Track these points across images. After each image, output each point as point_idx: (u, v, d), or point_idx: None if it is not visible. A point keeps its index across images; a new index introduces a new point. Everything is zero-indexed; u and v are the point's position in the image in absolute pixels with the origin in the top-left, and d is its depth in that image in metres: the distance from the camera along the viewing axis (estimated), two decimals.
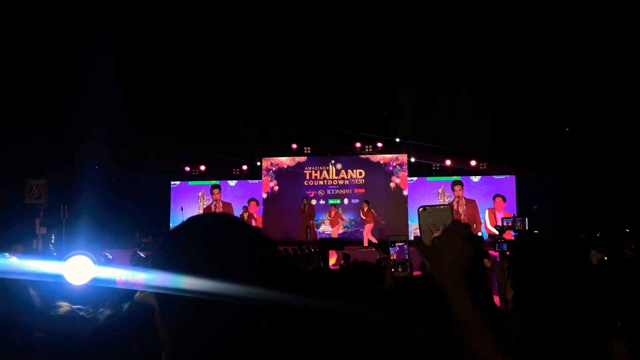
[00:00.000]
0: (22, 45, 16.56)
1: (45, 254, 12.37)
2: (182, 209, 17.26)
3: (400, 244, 2.03)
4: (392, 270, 2.11)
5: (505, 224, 12.49)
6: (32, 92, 16.90)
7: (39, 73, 16.81)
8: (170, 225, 18.30)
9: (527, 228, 11.47)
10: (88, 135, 17.41)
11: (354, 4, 18.50)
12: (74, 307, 2.24)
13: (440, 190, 17.19)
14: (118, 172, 18.73)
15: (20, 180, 14.61)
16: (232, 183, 18.52)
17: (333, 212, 16.71)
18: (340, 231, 16.91)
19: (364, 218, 15.84)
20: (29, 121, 16.65)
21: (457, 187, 17.07)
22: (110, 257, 9.13)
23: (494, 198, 16.92)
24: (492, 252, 9.94)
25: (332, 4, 18.31)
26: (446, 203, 16.74)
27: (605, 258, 8.29)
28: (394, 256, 2.02)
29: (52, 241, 14.51)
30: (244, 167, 18.68)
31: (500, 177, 17.03)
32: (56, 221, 14.31)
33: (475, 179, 17.13)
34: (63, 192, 15.61)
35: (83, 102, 17.46)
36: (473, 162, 17.25)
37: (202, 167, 18.75)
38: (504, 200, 16.86)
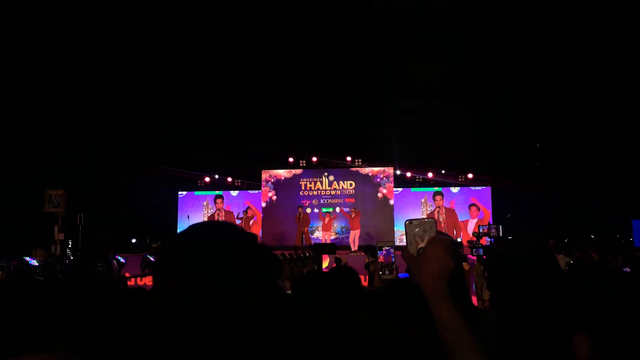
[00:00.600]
0: (48, 57, 16.50)
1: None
2: (188, 217, 17.20)
3: (387, 248, 2.02)
4: (380, 273, 2.04)
5: (481, 230, 12.53)
6: (53, 112, 16.85)
7: (58, 88, 16.76)
8: (178, 231, 18.20)
9: (501, 234, 11.51)
10: (103, 147, 17.39)
11: (343, 37, 18.67)
12: None
13: (423, 200, 17.22)
14: (130, 183, 18.66)
15: (41, 190, 14.52)
16: (234, 193, 18.48)
17: (327, 219, 16.72)
18: (332, 237, 16.87)
19: (350, 225, 15.93)
20: (49, 135, 16.59)
21: (437, 197, 17.09)
22: (122, 260, 9.06)
23: (469, 207, 16.96)
24: (470, 257, 9.95)
25: (323, 36, 18.47)
26: (428, 212, 16.85)
27: (572, 261, 8.32)
28: (382, 259, 2.01)
29: (69, 246, 14.41)
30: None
31: (477, 188, 17.07)
32: (73, 228, 14.21)
33: (455, 189, 17.17)
34: (80, 201, 15.52)
35: (99, 118, 17.44)
36: (452, 174, 17.30)
37: (207, 179, 18.72)
38: (478, 209, 16.91)
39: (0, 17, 15.25)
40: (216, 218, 17.82)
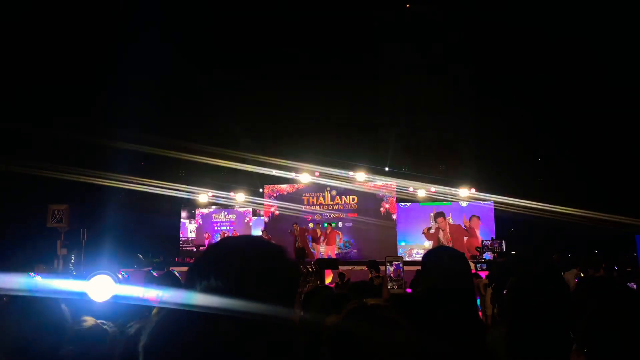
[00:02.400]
0: (46, 69, 16.58)
1: (65, 274, 12.25)
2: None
3: (396, 263, 2.03)
4: (389, 287, 2.09)
5: (484, 245, 12.50)
6: (54, 122, 16.93)
7: (60, 101, 16.83)
8: (179, 247, 18.20)
9: (504, 249, 11.48)
10: (105, 166, 17.43)
11: (344, 47, 18.82)
12: (98, 321, 2.23)
13: (430, 215, 17.15)
14: (133, 198, 18.67)
15: (43, 204, 14.54)
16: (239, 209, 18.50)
17: (329, 230, 16.63)
18: (336, 252, 16.84)
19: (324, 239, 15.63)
20: (52, 150, 16.66)
21: (439, 220, 16.95)
22: (125, 276, 9.04)
23: (470, 218, 16.88)
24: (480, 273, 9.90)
25: (325, 46, 18.62)
26: (433, 229, 16.75)
27: (582, 274, 8.29)
28: (391, 274, 2.02)
29: (72, 261, 14.38)
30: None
31: (480, 203, 17.05)
32: (76, 243, 14.20)
33: (463, 204, 17.11)
34: (83, 216, 15.53)
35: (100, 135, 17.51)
36: (455, 190, 17.28)
37: (210, 194, 18.71)
38: (479, 219, 16.84)
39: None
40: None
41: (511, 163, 18.26)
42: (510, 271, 2.13)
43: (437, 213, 17.01)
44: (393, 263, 2.04)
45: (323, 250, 16.85)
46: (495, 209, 16.92)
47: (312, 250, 16.61)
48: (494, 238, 14.43)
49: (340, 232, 15.96)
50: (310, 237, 16.71)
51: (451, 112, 19.03)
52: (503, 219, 16.90)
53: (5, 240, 15.86)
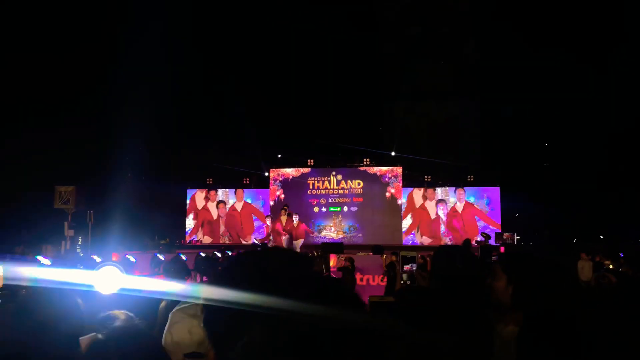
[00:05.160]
0: (57, 51, 16.52)
1: (73, 258, 12.35)
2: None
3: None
4: (402, 281, 2.08)
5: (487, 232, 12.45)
6: (64, 104, 16.93)
7: (70, 83, 16.80)
8: (186, 229, 18.28)
9: (515, 242, 11.42)
10: (113, 146, 17.45)
11: (349, 34, 18.63)
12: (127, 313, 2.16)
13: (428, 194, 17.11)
14: (139, 180, 18.73)
15: (50, 186, 14.60)
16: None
17: (297, 223, 14.86)
18: (340, 236, 16.89)
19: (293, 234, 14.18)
20: (59, 131, 16.68)
21: (440, 205, 16.89)
22: (133, 259, 9.09)
23: (475, 203, 16.84)
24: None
25: (330, 33, 18.44)
26: (437, 214, 16.73)
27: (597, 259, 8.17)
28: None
29: (79, 243, 14.50)
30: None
31: (486, 187, 16.98)
32: (83, 224, 14.28)
33: (468, 188, 17.04)
34: (89, 197, 15.60)
35: (109, 116, 17.51)
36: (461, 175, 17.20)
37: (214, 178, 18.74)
38: (485, 204, 16.82)
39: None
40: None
41: (518, 146, 18.14)
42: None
43: (438, 200, 16.93)
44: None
45: (329, 234, 16.88)
46: (501, 193, 16.84)
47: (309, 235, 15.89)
48: (499, 234, 14.31)
49: (309, 228, 14.98)
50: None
51: (457, 94, 18.85)
52: (509, 204, 16.86)
53: (13, 221, 16.00)
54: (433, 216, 16.83)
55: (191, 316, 2.43)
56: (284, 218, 14.47)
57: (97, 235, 14.16)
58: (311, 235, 15.25)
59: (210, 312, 0.91)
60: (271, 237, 14.77)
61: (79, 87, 17.03)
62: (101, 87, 17.20)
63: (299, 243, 14.16)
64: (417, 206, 16.91)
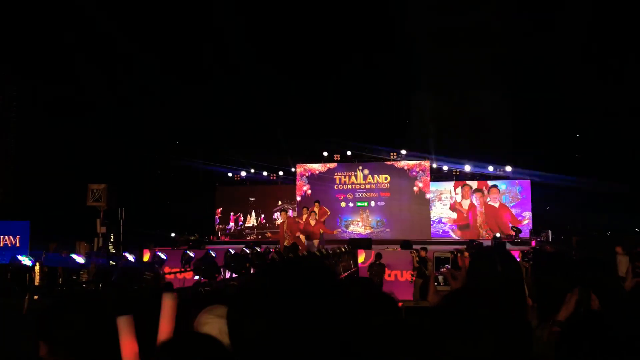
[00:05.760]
0: (91, 55, 16.81)
1: (105, 252, 12.62)
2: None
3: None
4: (435, 284, 2.05)
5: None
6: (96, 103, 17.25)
7: (101, 83, 17.08)
8: (216, 225, 18.46)
9: (550, 239, 11.16)
10: (143, 145, 17.73)
11: (377, 25, 18.41)
12: None
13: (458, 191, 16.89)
14: (169, 177, 19.00)
15: (83, 184, 14.92)
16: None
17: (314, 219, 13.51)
18: (368, 231, 16.82)
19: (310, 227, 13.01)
20: (92, 131, 17.03)
21: (477, 194, 16.58)
22: (164, 257, 9.19)
23: (489, 189, 16.52)
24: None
25: (357, 25, 18.25)
26: (464, 207, 16.50)
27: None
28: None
29: (111, 239, 14.81)
30: (280, 173, 18.74)
31: (516, 180, 16.65)
32: (115, 221, 14.55)
33: (493, 182, 16.74)
34: (121, 195, 15.90)
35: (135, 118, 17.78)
36: (491, 168, 16.87)
37: (243, 173, 18.87)
38: (498, 190, 16.49)
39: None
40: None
41: (549, 139, 17.71)
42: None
43: (474, 190, 16.69)
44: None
45: (356, 230, 16.80)
46: (532, 185, 16.48)
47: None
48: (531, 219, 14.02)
49: (326, 228, 13.58)
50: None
51: (487, 87, 18.45)
52: (540, 196, 16.50)
53: (48, 218, 16.44)
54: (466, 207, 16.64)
55: (219, 316, 2.42)
56: (304, 217, 13.64)
57: (128, 232, 14.42)
58: (330, 234, 14.34)
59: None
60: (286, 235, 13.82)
61: (110, 88, 17.33)
62: (130, 86, 17.47)
63: (312, 243, 13.03)
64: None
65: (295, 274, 0.95)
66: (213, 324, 2.41)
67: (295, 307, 0.89)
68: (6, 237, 13.97)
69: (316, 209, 13.49)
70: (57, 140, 16.62)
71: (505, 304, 1.61)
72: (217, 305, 2.43)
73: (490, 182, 16.77)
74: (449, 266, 2.07)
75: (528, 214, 16.25)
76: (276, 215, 17.57)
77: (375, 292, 2.01)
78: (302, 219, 13.68)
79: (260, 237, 17.62)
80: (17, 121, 17.76)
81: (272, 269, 1.01)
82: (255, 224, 18.30)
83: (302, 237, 13.08)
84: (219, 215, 18.50)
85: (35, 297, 5.73)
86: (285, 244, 12.22)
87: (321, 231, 13.18)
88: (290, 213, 15.98)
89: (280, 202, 18.08)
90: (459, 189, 16.87)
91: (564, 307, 1.79)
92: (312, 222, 13.20)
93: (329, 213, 14.37)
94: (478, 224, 16.50)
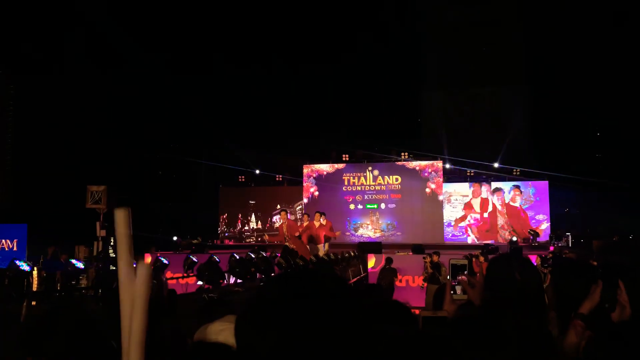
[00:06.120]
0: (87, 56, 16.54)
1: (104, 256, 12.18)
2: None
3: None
4: (452, 292, 2.02)
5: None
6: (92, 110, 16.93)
7: (99, 85, 16.78)
8: (218, 228, 18.01)
9: (569, 244, 10.62)
10: (143, 146, 17.34)
11: (386, 23, 18.04)
12: None
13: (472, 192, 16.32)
14: (170, 179, 18.61)
15: (82, 186, 14.52)
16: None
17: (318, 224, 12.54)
18: (378, 234, 16.25)
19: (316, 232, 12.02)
20: (91, 133, 16.69)
21: (497, 193, 15.99)
22: (165, 262, 8.79)
23: (511, 189, 15.93)
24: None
25: (366, 23, 17.89)
26: (479, 209, 15.92)
27: None
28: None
29: (112, 243, 14.33)
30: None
31: (533, 181, 16.05)
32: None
33: (509, 184, 16.13)
34: (121, 197, 15.47)
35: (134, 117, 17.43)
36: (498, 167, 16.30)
37: (247, 174, 18.41)
38: (520, 191, 15.86)
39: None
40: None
41: (567, 136, 17.17)
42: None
43: (495, 189, 16.09)
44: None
45: (365, 233, 16.25)
46: (550, 187, 15.87)
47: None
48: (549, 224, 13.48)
49: (332, 232, 12.43)
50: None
51: (502, 85, 17.91)
52: (558, 198, 15.91)
53: (46, 221, 16.02)
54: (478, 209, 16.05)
55: (232, 322, 2.16)
56: (307, 223, 12.65)
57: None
58: (332, 235, 13.25)
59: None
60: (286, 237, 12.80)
61: (109, 88, 16.99)
62: (131, 86, 17.11)
63: (316, 247, 12.03)
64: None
65: (310, 284, 0.94)
66: (228, 330, 2.27)
67: (310, 318, 0.87)
68: (3, 241, 13.78)
69: (323, 220, 12.41)
70: (55, 141, 16.24)
71: (526, 314, 1.69)
72: (227, 316, 2.21)
73: (506, 184, 16.17)
74: (467, 273, 2.06)
75: (542, 217, 15.67)
76: (275, 217, 17.08)
77: (390, 301, 2.09)
78: (302, 226, 12.64)
79: (259, 239, 17.06)
80: (14, 121, 17.43)
81: (286, 279, 0.99)
82: (255, 227, 17.78)
83: (303, 237, 12.36)
84: (226, 220, 17.99)
85: (33, 303, 5.60)
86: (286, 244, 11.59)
87: (327, 235, 12.35)
88: (289, 216, 15.34)
89: (279, 206, 17.40)
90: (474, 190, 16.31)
91: (588, 300, 1.79)
92: (317, 224, 12.41)
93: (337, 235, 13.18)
94: (498, 226, 15.91)
